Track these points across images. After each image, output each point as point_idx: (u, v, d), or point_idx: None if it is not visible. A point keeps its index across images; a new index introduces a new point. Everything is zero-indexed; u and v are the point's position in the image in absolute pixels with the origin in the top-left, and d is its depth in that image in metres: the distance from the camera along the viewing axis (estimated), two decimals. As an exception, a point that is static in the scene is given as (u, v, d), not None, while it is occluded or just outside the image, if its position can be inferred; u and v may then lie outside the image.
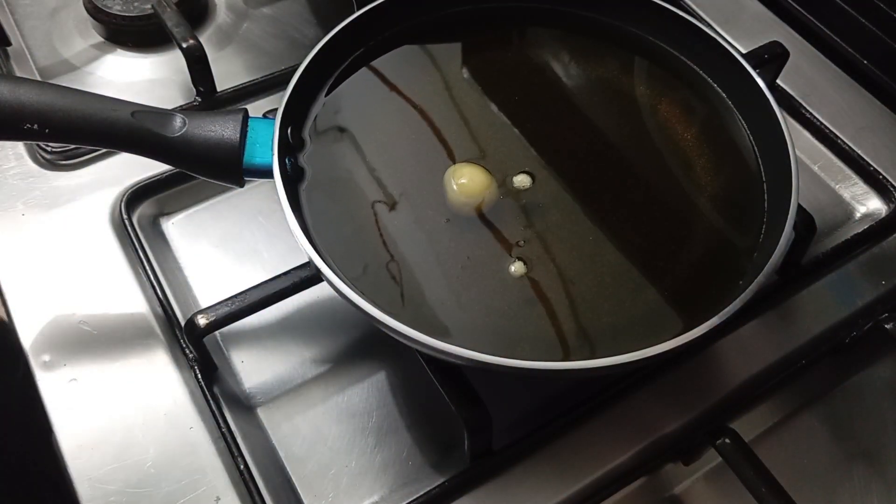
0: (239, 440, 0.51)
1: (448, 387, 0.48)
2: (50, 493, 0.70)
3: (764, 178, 0.54)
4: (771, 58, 0.66)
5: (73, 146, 0.64)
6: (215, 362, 0.55)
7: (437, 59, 0.59)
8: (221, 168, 0.51)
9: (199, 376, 0.54)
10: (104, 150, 0.64)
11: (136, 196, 0.62)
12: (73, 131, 0.49)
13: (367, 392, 0.55)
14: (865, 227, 0.63)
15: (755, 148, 0.56)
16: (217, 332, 0.54)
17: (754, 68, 0.57)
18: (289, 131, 0.52)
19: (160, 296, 0.57)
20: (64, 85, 0.50)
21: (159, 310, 0.57)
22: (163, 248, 0.62)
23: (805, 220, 0.56)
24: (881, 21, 0.72)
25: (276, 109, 0.52)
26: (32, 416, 0.53)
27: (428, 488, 0.50)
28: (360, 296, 0.44)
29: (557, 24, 0.62)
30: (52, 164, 0.65)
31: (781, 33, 0.75)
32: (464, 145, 0.55)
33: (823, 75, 0.74)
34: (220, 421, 0.52)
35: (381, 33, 0.60)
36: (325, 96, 0.56)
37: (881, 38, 0.72)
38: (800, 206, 0.51)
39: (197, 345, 0.53)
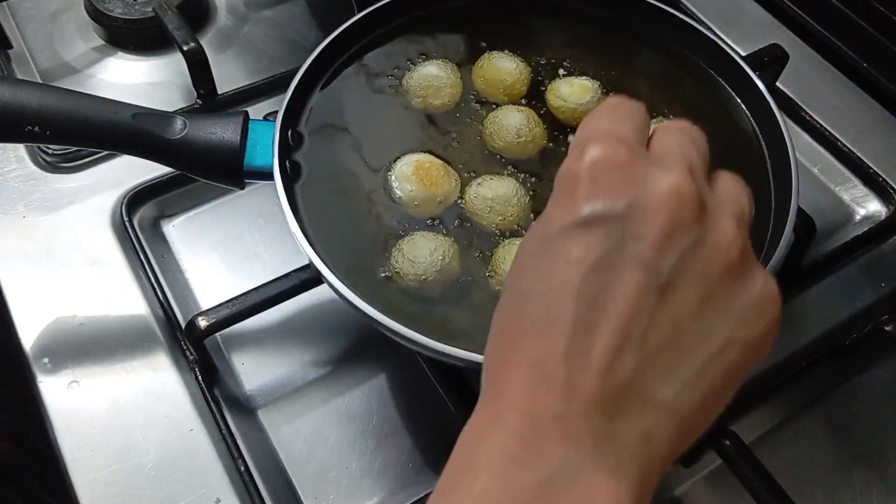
0: (239, 442, 0.51)
1: (449, 389, 0.48)
2: (50, 494, 0.70)
3: (771, 180, 0.54)
4: (771, 60, 0.67)
5: (74, 148, 0.64)
6: (216, 364, 0.55)
7: (435, 53, 0.59)
8: (222, 170, 0.51)
9: (200, 378, 0.54)
10: (105, 153, 0.65)
11: (136, 198, 0.62)
12: (74, 133, 0.49)
13: (367, 394, 0.55)
14: (865, 229, 0.64)
15: (764, 149, 0.56)
16: (217, 335, 0.54)
17: (754, 71, 0.57)
18: (289, 133, 0.52)
19: (161, 298, 0.57)
20: (65, 87, 0.50)
21: (160, 312, 0.57)
22: (163, 250, 0.62)
23: (805, 223, 0.56)
24: (881, 24, 0.72)
25: (276, 112, 0.52)
26: (33, 417, 0.53)
27: (428, 491, 0.50)
28: (360, 298, 0.44)
29: (561, 18, 0.62)
30: (53, 167, 0.65)
31: (781, 36, 0.75)
32: (463, 137, 0.55)
33: (823, 78, 0.74)
34: (221, 423, 0.52)
35: (379, 28, 0.60)
36: (322, 91, 0.56)
37: (881, 41, 0.73)
38: (800, 209, 0.51)
39: (197, 347, 0.53)
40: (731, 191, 0.30)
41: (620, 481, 0.25)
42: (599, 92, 0.57)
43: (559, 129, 0.56)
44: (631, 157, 0.28)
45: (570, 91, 0.56)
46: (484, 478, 0.25)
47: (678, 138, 0.31)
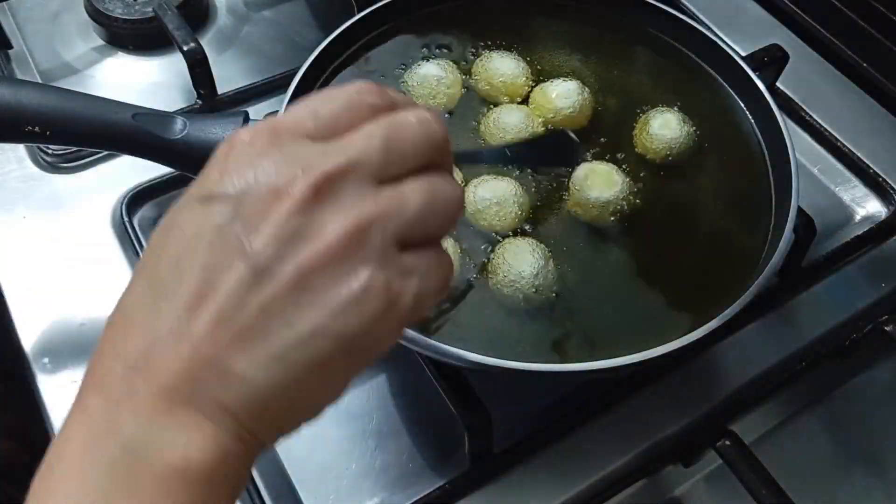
0: (239, 442, 0.51)
1: (448, 389, 0.48)
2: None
3: (772, 180, 0.54)
4: (771, 60, 0.67)
5: (74, 149, 0.64)
6: (216, 364, 0.54)
7: (435, 52, 0.59)
8: (222, 170, 0.51)
9: (200, 378, 0.54)
10: (105, 153, 0.65)
11: (137, 198, 0.62)
12: (74, 134, 0.49)
13: (367, 394, 0.55)
14: (865, 229, 0.63)
15: (764, 149, 0.55)
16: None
17: (754, 71, 0.57)
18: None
19: (161, 298, 0.57)
20: (65, 88, 0.50)
21: (160, 312, 0.57)
22: (163, 250, 0.62)
23: (805, 223, 0.56)
24: (881, 24, 0.72)
25: (276, 112, 0.52)
26: (33, 418, 0.53)
27: (428, 490, 0.50)
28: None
29: (561, 18, 0.62)
30: (53, 167, 0.65)
31: (781, 36, 0.75)
32: (461, 137, 0.55)
33: (823, 78, 0.74)
34: (221, 423, 0.52)
35: (379, 28, 0.60)
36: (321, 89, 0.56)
37: (881, 41, 0.73)
38: (800, 209, 0.51)
39: (197, 347, 0.53)
40: (396, 195, 0.29)
41: (191, 445, 0.27)
42: (584, 93, 0.56)
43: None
44: (269, 143, 0.29)
45: (548, 97, 0.56)
46: (66, 462, 0.28)
47: (373, 135, 0.29)
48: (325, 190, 0.28)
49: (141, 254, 0.59)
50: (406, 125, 0.30)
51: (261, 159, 0.28)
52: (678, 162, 0.55)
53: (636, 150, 0.55)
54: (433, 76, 0.57)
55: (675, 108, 0.57)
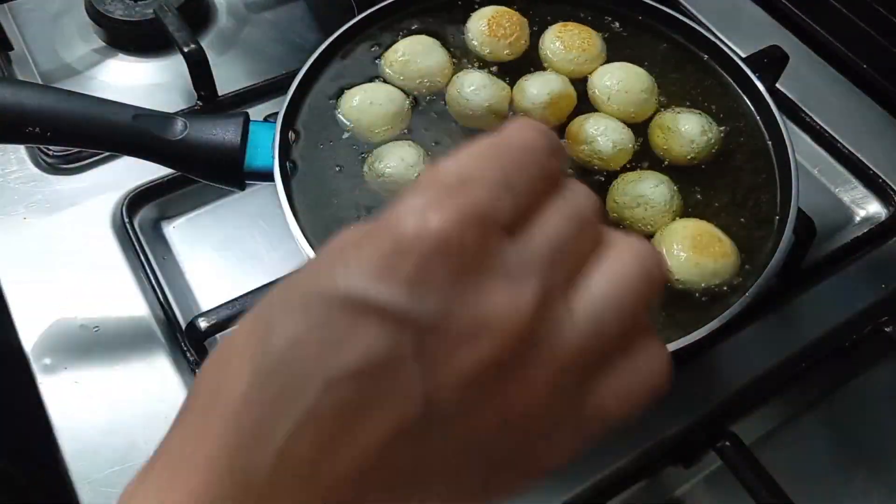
0: (240, 443, 0.51)
1: (449, 390, 0.48)
2: (51, 496, 0.70)
3: (778, 181, 0.54)
4: (770, 62, 0.67)
5: (74, 150, 0.64)
6: (216, 365, 0.54)
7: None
8: (222, 171, 0.51)
9: (200, 379, 0.54)
10: (106, 154, 0.65)
11: (137, 200, 0.62)
12: (74, 135, 0.49)
13: (367, 395, 0.55)
14: (865, 230, 0.63)
15: (771, 150, 0.55)
16: (218, 335, 0.54)
17: (754, 72, 0.57)
18: (290, 134, 0.52)
19: (161, 299, 0.57)
20: (66, 89, 0.50)
21: (160, 313, 0.57)
22: (164, 251, 0.62)
23: (805, 224, 0.56)
24: (880, 25, 0.72)
25: (277, 113, 0.52)
26: (34, 418, 0.53)
27: (428, 491, 0.50)
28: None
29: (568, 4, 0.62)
30: (53, 168, 0.65)
31: (780, 37, 0.75)
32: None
33: (823, 79, 0.74)
34: (221, 424, 0.52)
35: (377, 23, 0.60)
36: (322, 91, 0.56)
37: (880, 43, 0.73)
38: (800, 210, 0.51)
39: (198, 348, 0.53)
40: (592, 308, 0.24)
41: None
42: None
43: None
44: (478, 250, 0.22)
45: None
46: None
47: (563, 227, 0.24)
48: (533, 328, 0.22)
49: (141, 256, 0.59)
50: (579, 196, 0.25)
51: (469, 278, 0.22)
52: (694, 161, 0.54)
53: (653, 149, 0.55)
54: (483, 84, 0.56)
55: (700, 112, 0.56)
